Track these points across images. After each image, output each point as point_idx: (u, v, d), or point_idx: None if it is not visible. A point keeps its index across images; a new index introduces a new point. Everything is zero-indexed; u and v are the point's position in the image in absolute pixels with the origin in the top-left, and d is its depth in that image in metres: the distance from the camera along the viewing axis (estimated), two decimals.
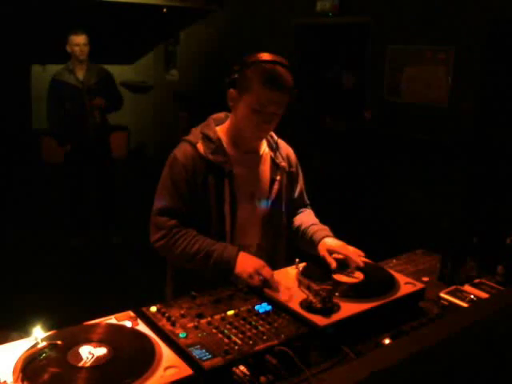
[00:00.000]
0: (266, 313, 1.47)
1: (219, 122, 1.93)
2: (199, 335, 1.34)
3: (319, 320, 1.43)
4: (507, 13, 3.95)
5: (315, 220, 2.05)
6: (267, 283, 1.63)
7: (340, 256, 1.80)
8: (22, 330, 1.43)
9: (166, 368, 1.20)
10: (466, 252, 1.92)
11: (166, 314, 1.43)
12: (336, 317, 1.45)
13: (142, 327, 1.39)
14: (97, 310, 1.56)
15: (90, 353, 1.24)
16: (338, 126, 5.69)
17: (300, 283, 1.63)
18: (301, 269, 1.74)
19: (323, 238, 1.89)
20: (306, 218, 2.05)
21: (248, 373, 1.24)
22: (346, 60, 5.66)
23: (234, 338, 1.33)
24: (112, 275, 4.23)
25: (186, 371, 1.19)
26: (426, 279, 1.91)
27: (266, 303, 1.52)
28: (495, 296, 1.67)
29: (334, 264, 1.77)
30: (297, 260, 1.76)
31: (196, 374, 1.19)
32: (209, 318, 1.42)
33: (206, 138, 1.84)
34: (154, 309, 1.47)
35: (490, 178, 4.20)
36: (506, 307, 1.11)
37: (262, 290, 1.61)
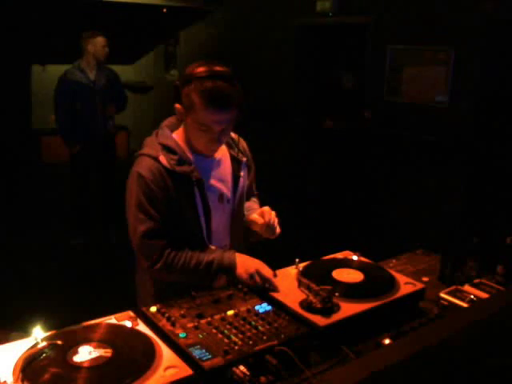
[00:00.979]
0: (266, 313, 1.47)
1: (173, 128, 1.85)
2: (199, 335, 1.34)
3: (319, 320, 1.43)
4: (507, 13, 3.95)
5: (257, 206, 2.05)
6: (268, 283, 1.63)
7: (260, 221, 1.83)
8: (22, 330, 1.43)
9: (166, 368, 1.20)
10: (465, 252, 1.92)
11: (166, 314, 1.43)
12: (336, 317, 1.45)
13: (142, 327, 1.39)
14: (97, 310, 1.56)
15: (89, 353, 1.24)
16: (337, 126, 5.69)
17: (300, 283, 1.63)
18: (301, 269, 1.74)
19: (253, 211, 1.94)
20: (249, 206, 2.03)
21: (248, 373, 1.24)
22: (345, 60, 5.66)
23: (233, 338, 1.33)
24: (112, 275, 4.23)
25: (186, 371, 1.19)
26: (425, 279, 1.91)
27: (265, 303, 1.52)
28: (495, 296, 1.67)
29: (261, 220, 1.82)
30: (297, 260, 1.76)
31: (196, 374, 1.19)
32: (209, 318, 1.42)
33: (167, 150, 1.75)
34: (153, 309, 1.47)
35: (490, 178, 4.20)
36: (506, 307, 1.11)
37: (263, 289, 1.61)
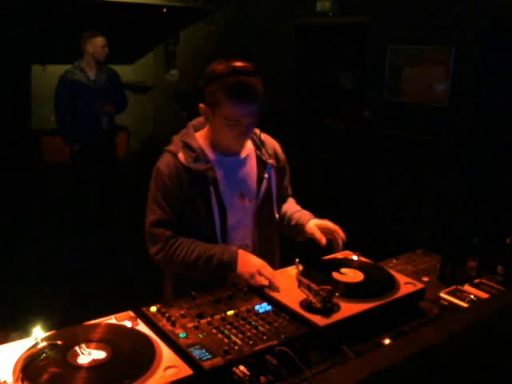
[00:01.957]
0: (266, 313, 1.47)
1: (199, 127, 1.91)
2: (199, 335, 1.34)
3: (319, 320, 1.43)
4: (507, 13, 3.95)
5: (298, 207, 2.08)
6: (269, 283, 1.63)
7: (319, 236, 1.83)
8: (22, 330, 1.43)
9: (166, 368, 1.20)
10: (466, 252, 1.92)
11: (166, 314, 1.43)
12: (336, 317, 1.45)
13: (142, 327, 1.39)
14: (97, 309, 1.56)
15: (90, 353, 1.24)
16: (337, 126, 5.68)
17: (300, 283, 1.63)
18: (301, 269, 1.74)
19: (309, 220, 1.93)
20: (291, 206, 2.07)
21: (248, 373, 1.24)
22: (345, 60, 5.66)
23: (233, 338, 1.33)
24: (112, 275, 4.23)
25: (186, 371, 1.19)
26: (425, 279, 1.91)
27: (265, 303, 1.52)
28: (495, 296, 1.67)
29: (323, 240, 1.81)
30: (297, 260, 1.76)
31: (196, 374, 1.19)
32: (209, 318, 1.42)
33: (187, 147, 1.82)
34: (153, 309, 1.47)
35: (490, 177, 4.20)
36: (506, 307, 1.11)
37: (263, 289, 1.61)
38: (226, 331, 1.36)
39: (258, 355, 1.28)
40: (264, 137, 1.99)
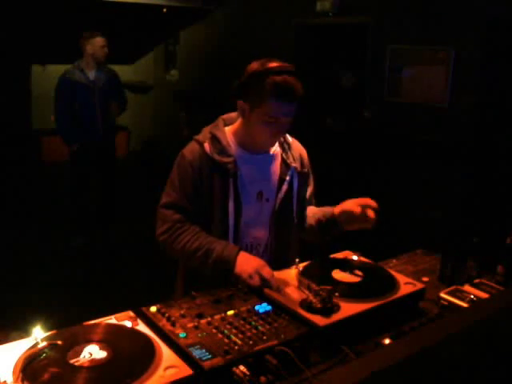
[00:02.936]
0: (266, 313, 1.47)
1: (229, 122, 1.94)
2: (199, 335, 1.34)
3: (319, 320, 1.43)
4: (507, 13, 3.95)
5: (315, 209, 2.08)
6: (267, 283, 1.63)
7: (357, 209, 1.83)
8: (22, 330, 1.43)
9: (166, 368, 1.20)
10: (466, 252, 1.92)
11: (166, 314, 1.43)
12: (336, 317, 1.45)
13: (142, 327, 1.39)
14: (97, 309, 1.56)
15: (89, 353, 1.24)
16: (337, 125, 5.69)
17: (300, 283, 1.63)
18: (301, 269, 1.74)
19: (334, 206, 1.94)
20: (315, 210, 2.07)
21: (248, 373, 1.24)
22: (345, 60, 5.66)
23: (234, 338, 1.33)
24: (112, 275, 4.23)
25: (186, 371, 1.19)
26: (425, 279, 1.91)
27: (265, 303, 1.52)
28: (495, 296, 1.67)
29: (358, 209, 1.82)
30: (297, 260, 1.76)
31: (196, 374, 1.19)
32: (209, 318, 1.42)
33: (214, 139, 1.84)
34: (153, 309, 1.47)
35: (490, 178, 4.20)
36: (506, 307, 1.11)
37: (262, 290, 1.61)
38: (226, 331, 1.36)
39: (258, 355, 1.28)
40: (292, 140, 2.02)
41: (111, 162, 5.03)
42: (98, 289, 4.04)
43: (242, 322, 1.41)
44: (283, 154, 1.95)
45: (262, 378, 1.25)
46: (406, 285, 1.67)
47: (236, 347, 1.29)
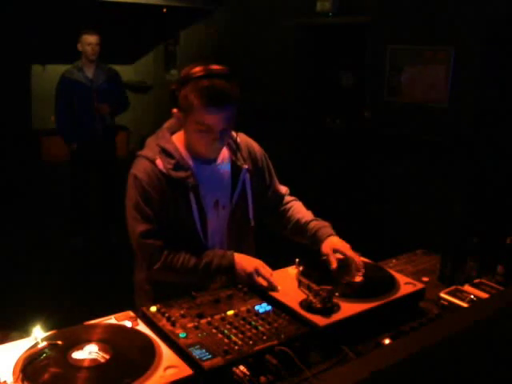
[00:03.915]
0: (266, 313, 1.47)
1: (174, 130, 1.83)
2: (199, 335, 1.34)
3: (319, 320, 1.43)
4: (507, 13, 3.95)
5: (312, 214, 2.03)
6: (267, 282, 1.63)
7: (341, 256, 1.80)
8: (22, 330, 1.43)
9: (166, 368, 1.20)
10: (466, 252, 1.92)
11: (166, 314, 1.43)
12: (336, 317, 1.45)
13: (142, 327, 1.39)
14: (97, 310, 1.56)
15: (89, 353, 1.24)
16: (337, 125, 5.69)
17: (300, 283, 1.63)
18: (301, 269, 1.74)
19: (328, 236, 1.88)
20: (304, 212, 2.02)
21: (248, 373, 1.24)
22: (345, 60, 5.66)
23: (233, 338, 1.33)
24: (112, 275, 4.23)
25: (186, 371, 1.19)
26: (425, 279, 1.91)
27: (265, 303, 1.52)
28: (495, 296, 1.66)
29: (334, 264, 1.76)
30: (297, 260, 1.76)
31: (196, 374, 1.19)
32: (209, 318, 1.42)
33: (164, 153, 1.75)
34: (153, 309, 1.47)
35: (490, 177, 4.19)
36: (506, 307, 1.11)
37: (262, 289, 1.61)
38: (226, 331, 1.36)
39: (258, 355, 1.28)
40: (239, 138, 1.90)
41: (111, 161, 5.03)
42: (98, 289, 4.04)
43: (241, 322, 1.41)
44: (233, 157, 1.86)
45: (262, 378, 1.25)
46: (406, 285, 1.68)
47: (236, 347, 1.29)
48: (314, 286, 1.55)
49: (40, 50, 6.75)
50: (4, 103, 6.30)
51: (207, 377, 1.20)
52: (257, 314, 1.46)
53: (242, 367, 1.25)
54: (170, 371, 1.19)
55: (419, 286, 1.68)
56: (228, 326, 1.38)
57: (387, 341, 1.42)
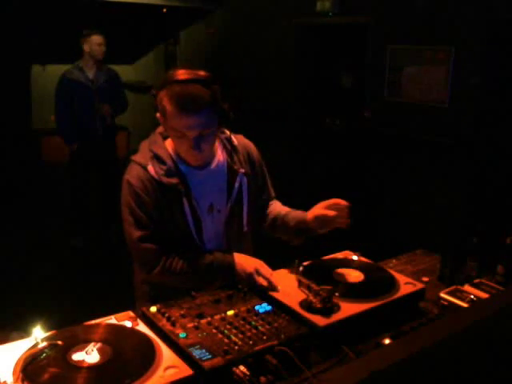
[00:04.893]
0: (266, 313, 1.47)
1: (167, 134, 1.79)
2: (199, 335, 1.34)
3: (319, 320, 1.43)
4: (507, 13, 3.95)
5: (288, 208, 2.01)
6: (267, 282, 1.63)
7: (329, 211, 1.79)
8: (22, 330, 1.43)
9: (166, 368, 1.20)
10: (465, 252, 1.92)
11: (166, 314, 1.43)
12: (336, 317, 1.45)
13: (142, 327, 1.39)
14: (97, 310, 1.56)
15: (90, 353, 1.24)
16: (337, 125, 5.69)
17: (300, 283, 1.63)
18: (301, 269, 1.74)
19: (306, 212, 1.88)
20: (280, 208, 2.01)
21: (248, 373, 1.24)
22: (345, 60, 5.66)
23: (233, 338, 1.33)
24: (112, 275, 4.23)
25: (186, 371, 1.19)
26: (425, 279, 1.91)
27: (265, 303, 1.52)
28: (495, 296, 1.66)
29: (332, 212, 1.77)
30: (297, 260, 1.76)
31: (196, 374, 1.19)
32: (209, 318, 1.42)
33: (156, 159, 1.73)
34: (153, 309, 1.47)
35: (490, 177, 4.20)
36: (506, 307, 1.11)
37: (262, 289, 1.61)
38: (226, 331, 1.36)
39: (258, 355, 1.28)
40: (237, 141, 1.87)
41: (111, 161, 5.03)
42: (98, 289, 4.04)
43: (241, 322, 1.41)
44: (229, 160, 1.83)
45: (262, 378, 1.25)
46: (406, 285, 1.68)
47: (236, 347, 1.29)
48: (314, 285, 1.55)
49: (40, 49, 6.76)
50: (4, 103, 6.31)
51: (207, 377, 1.20)
52: (257, 314, 1.46)
53: (242, 367, 1.25)
54: (170, 371, 1.19)
55: (419, 286, 1.68)
56: (228, 326, 1.38)
57: (387, 341, 1.42)
